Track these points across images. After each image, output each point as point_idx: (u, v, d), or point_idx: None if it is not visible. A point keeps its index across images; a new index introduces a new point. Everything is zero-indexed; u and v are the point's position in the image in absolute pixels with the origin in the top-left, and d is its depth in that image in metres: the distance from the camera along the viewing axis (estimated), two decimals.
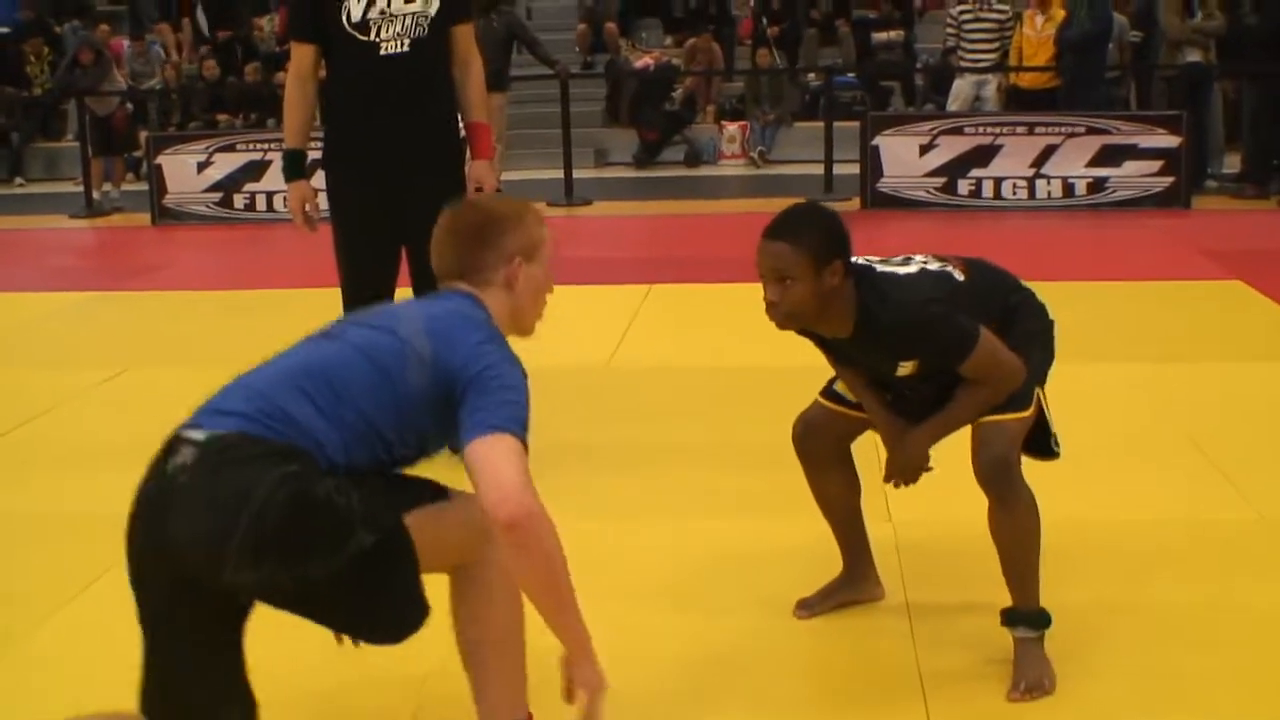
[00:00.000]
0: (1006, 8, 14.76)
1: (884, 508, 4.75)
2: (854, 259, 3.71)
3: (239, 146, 14.04)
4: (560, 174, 14.47)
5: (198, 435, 2.93)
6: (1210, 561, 4.73)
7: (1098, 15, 13.98)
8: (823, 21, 17.59)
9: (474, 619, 3.17)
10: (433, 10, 5.48)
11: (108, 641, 3.75)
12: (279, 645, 3.54)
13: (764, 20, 17.67)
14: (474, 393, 2.96)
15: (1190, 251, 10.56)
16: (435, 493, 3.16)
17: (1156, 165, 12.98)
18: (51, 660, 4.11)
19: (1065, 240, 11.51)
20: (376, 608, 3.06)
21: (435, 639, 3.17)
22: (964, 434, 3.79)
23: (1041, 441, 3.90)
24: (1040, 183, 13.15)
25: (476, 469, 2.86)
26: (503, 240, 3.26)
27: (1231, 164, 14.21)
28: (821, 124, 14.84)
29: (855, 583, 4.34)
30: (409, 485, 3.18)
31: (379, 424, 3.02)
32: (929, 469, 3.95)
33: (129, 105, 16.07)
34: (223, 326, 8.18)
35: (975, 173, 13.21)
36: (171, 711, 3.04)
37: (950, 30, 15.22)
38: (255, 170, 13.77)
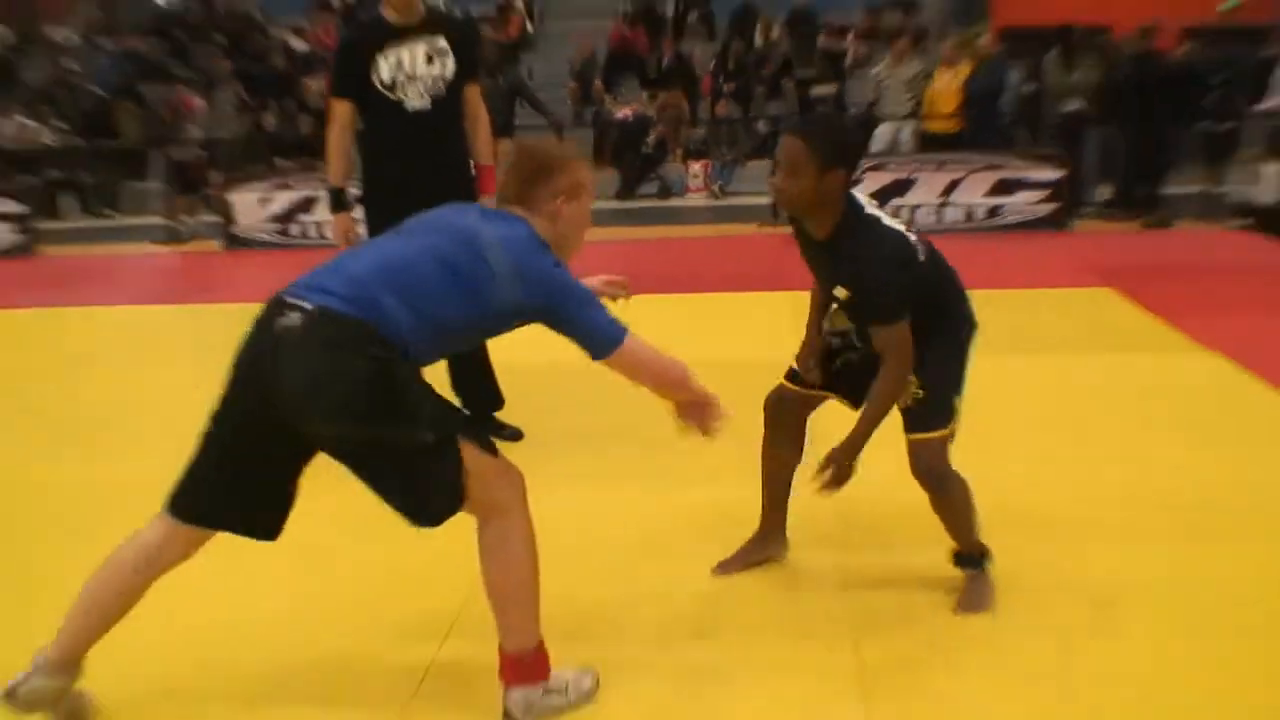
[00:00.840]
0: (918, 66, 14.77)
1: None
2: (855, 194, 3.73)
3: (293, 185, 13.98)
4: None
5: (306, 305, 3.08)
6: (1087, 527, 4.73)
7: (993, 72, 14.07)
8: (770, 79, 17.58)
9: (498, 565, 3.29)
10: (449, 74, 5.57)
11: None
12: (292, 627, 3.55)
13: (721, 78, 17.68)
14: (567, 320, 3.27)
15: (1071, 265, 10.62)
16: (489, 446, 3.28)
17: (1043, 194, 13.02)
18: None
19: (969, 257, 11.40)
20: (415, 490, 3.17)
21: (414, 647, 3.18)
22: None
23: None
24: (948, 209, 13.18)
25: (630, 376, 3.37)
26: (552, 180, 3.43)
27: (1104, 193, 14.24)
28: (770, 162, 14.83)
29: (768, 540, 4.34)
30: (474, 426, 3.36)
31: (446, 324, 3.18)
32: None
33: (203, 152, 16.04)
34: None
35: (895, 201, 13.14)
36: (214, 504, 3.29)
37: (873, 86, 15.21)
38: (307, 204, 13.77)
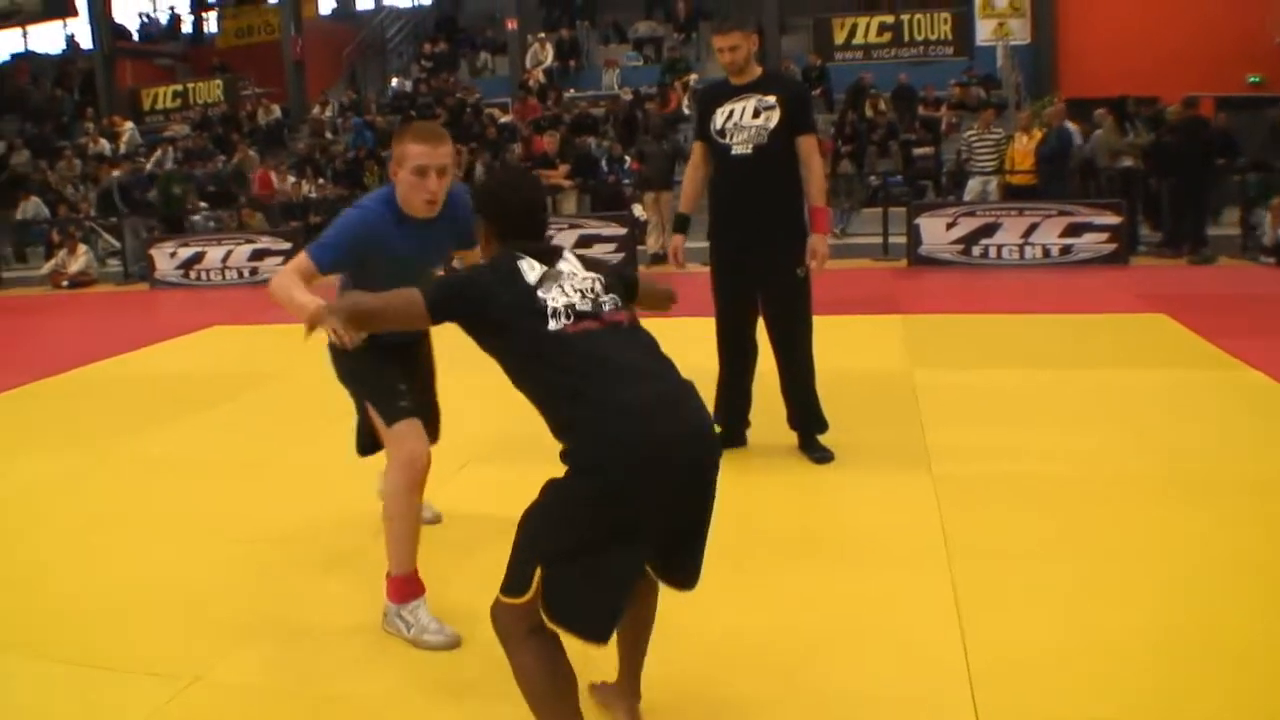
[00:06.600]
0: (1000, 131, 14.64)
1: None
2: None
3: None
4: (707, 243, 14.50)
5: None
6: (1134, 496, 4.69)
7: (1062, 135, 13.91)
8: (880, 142, 17.48)
9: (384, 503, 3.71)
10: (771, 125, 5.24)
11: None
12: None
13: (840, 142, 17.62)
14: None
15: (1129, 294, 10.41)
16: (404, 407, 3.72)
17: (1105, 235, 12.79)
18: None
19: (1045, 286, 11.40)
20: (359, 427, 4.15)
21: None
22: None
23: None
24: (1028, 248, 13.00)
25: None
26: (393, 152, 3.68)
27: (1154, 235, 13.95)
28: (880, 209, 14.82)
29: None
30: (394, 387, 3.76)
31: None
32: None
33: None
34: None
35: (984, 241, 13.12)
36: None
37: (964, 147, 15.12)
38: None
